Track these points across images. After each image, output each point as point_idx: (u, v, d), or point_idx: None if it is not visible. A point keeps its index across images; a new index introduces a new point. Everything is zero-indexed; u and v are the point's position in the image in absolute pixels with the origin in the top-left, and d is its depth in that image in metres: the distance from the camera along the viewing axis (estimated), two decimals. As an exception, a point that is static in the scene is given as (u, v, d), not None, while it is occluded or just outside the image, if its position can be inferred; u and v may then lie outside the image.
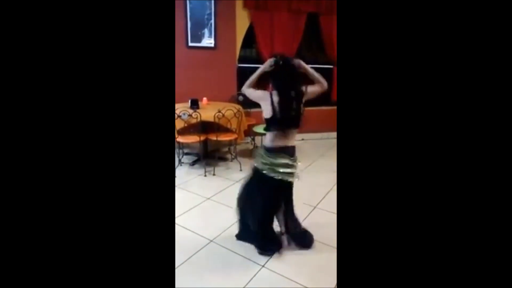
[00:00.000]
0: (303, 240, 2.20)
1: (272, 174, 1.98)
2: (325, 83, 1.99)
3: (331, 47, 4.72)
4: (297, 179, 2.09)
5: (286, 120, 1.92)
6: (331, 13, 4.53)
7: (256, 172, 2.06)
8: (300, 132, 2.09)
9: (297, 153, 2.06)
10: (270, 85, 2.00)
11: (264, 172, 1.99)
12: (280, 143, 1.96)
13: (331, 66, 4.80)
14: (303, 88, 1.96)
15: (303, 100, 1.96)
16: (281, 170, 1.97)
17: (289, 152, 1.99)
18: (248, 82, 2.00)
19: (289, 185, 2.09)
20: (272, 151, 1.97)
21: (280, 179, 1.99)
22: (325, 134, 5.06)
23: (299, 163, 2.07)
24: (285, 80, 1.92)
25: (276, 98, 1.89)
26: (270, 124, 1.95)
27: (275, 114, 1.89)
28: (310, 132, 4.88)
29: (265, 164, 1.98)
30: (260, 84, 2.01)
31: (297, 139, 2.05)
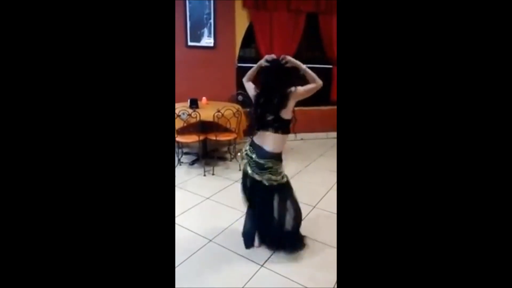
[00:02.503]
0: (290, 242, 2.13)
1: (248, 170, 2.02)
2: (318, 81, 1.88)
3: (330, 47, 4.73)
4: (274, 183, 1.99)
5: (260, 121, 1.93)
6: (330, 12, 4.53)
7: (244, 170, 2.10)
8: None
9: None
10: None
11: (244, 166, 2.06)
12: (258, 141, 1.97)
13: (331, 66, 4.80)
14: (291, 89, 1.86)
15: (290, 103, 1.87)
16: (254, 167, 1.98)
17: (260, 153, 1.94)
18: (247, 74, 2.08)
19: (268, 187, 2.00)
20: (252, 145, 2.00)
21: (259, 181, 1.98)
22: (325, 134, 5.06)
23: (278, 173, 1.99)
24: (268, 82, 1.93)
25: (259, 98, 1.94)
26: (252, 120, 2.04)
27: (256, 112, 1.95)
28: (310, 132, 4.87)
29: (246, 155, 2.03)
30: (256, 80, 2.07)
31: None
